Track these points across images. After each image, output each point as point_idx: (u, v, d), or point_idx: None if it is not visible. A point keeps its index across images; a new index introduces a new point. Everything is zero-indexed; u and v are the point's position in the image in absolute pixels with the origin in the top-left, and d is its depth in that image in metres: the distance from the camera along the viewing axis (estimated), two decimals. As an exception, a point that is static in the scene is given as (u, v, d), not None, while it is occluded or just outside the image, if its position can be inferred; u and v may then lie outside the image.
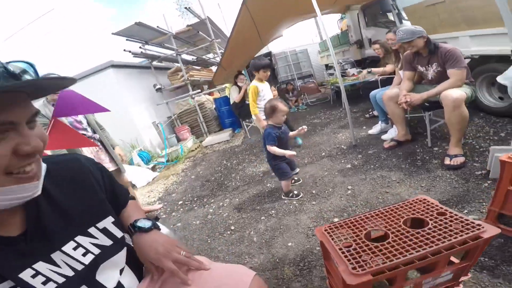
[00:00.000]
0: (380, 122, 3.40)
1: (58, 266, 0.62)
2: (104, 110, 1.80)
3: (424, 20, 3.71)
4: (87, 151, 2.34)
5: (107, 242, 0.74)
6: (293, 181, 2.64)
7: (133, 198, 1.00)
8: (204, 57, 9.03)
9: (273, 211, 2.29)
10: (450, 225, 0.92)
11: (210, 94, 8.10)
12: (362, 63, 7.04)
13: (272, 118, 2.31)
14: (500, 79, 1.77)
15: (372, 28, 6.11)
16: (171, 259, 0.77)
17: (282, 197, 2.44)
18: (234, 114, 6.00)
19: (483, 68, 2.76)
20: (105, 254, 0.72)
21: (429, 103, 2.46)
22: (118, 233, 0.78)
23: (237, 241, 2.03)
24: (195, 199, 3.06)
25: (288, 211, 2.22)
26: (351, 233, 1.02)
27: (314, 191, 2.42)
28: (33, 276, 0.57)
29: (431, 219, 0.98)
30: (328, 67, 9.81)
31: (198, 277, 0.80)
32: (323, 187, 2.45)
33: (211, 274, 0.81)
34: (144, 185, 4.26)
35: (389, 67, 3.92)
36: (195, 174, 4.02)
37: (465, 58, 2.53)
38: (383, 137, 3.15)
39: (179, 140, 6.33)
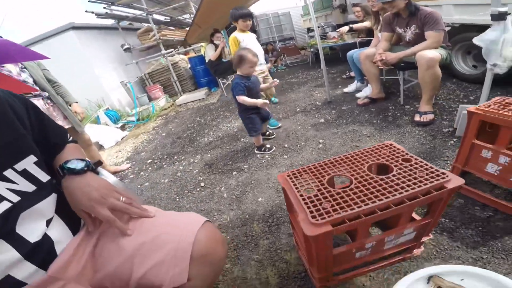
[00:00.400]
0: (356, 81, 3.40)
1: None
2: (43, 57, 1.57)
3: None
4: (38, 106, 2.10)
5: (29, 187, 0.61)
6: (267, 133, 2.59)
7: (75, 141, 0.86)
8: (179, 17, 8.33)
9: (245, 166, 2.23)
10: (415, 173, 0.87)
11: (185, 53, 7.61)
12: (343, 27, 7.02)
13: (240, 69, 2.15)
14: (476, 40, 1.76)
15: None
16: (107, 206, 0.66)
17: (255, 151, 2.37)
18: (210, 73, 5.73)
19: (462, 36, 2.72)
20: (26, 201, 0.60)
21: (404, 63, 2.46)
22: (43, 177, 0.65)
23: (206, 198, 1.96)
24: (165, 156, 2.93)
25: (260, 166, 2.17)
26: (314, 179, 0.95)
27: (286, 145, 2.37)
28: None
29: (396, 165, 0.92)
30: (310, 30, 9.68)
31: (139, 226, 0.71)
32: (295, 141, 2.41)
33: (155, 223, 0.72)
34: (113, 145, 4.03)
35: (367, 23, 3.80)
36: (167, 132, 3.84)
37: (445, 26, 2.54)
38: (358, 94, 3.16)
39: (150, 99, 6.01)
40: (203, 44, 5.86)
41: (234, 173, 2.17)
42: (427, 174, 0.86)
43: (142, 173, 2.72)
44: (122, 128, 4.71)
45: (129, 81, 5.71)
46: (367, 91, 3.04)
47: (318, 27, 7.74)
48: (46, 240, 0.63)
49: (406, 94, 2.77)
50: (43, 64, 2.34)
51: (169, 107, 5.39)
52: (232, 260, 1.34)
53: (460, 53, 2.85)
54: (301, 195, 0.88)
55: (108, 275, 0.68)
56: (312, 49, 6.38)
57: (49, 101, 2.20)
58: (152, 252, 0.66)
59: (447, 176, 0.83)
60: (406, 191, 0.80)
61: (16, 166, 0.60)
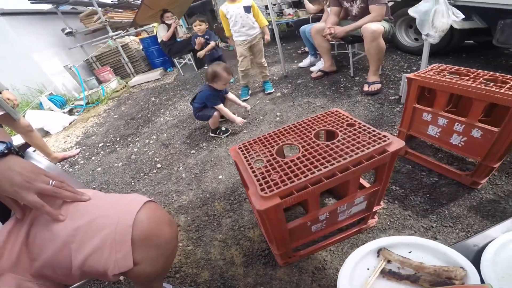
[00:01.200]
0: (309, 56, 3.43)
1: None
2: None
3: None
4: None
5: None
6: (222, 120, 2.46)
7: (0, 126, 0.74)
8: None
9: (204, 144, 2.16)
10: (358, 137, 0.88)
11: (136, 34, 7.04)
12: (298, 4, 6.86)
13: (214, 84, 2.09)
14: (410, 11, 1.79)
15: None
16: (34, 190, 0.58)
17: (210, 134, 2.26)
18: (164, 54, 5.37)
19: (403, 10, 2.79)
20: None
21: (352, 37, 2.52)
22: None
23: (164, 179, 1.88)
24: (118, 139, 2.73)
25: (219, 143, 2.12)
26: (264, 150, 0.93)
27: (246, 120, 2.34)
28: None
29: (341, 131, 0.94)
30: (267, 8, 9.43)
31: (74, 211, 0.64)
32: (254, 115, 2.39)
33: (91, 206, 0.65)
34: (60, 131, 3.66)
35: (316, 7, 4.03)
36: (119, 114, 3.56)
37: (389, 1, 2.62)
38: (311, 68, 3.21)
39: (100, 82, 5.53)
40: (155, 24, 5.53)
41: (192, 151, 2.10)
42: (369, 138, 0.87)
43: (93, 158, 2.52)
44: (70, 112, 4.27)
45: (74, 65, 5.16)
46: (319, 65, 3.09)
47: (275, 4, 7.58)
48: None
49: (356, 66, 2.86)
50: None
51: (121, 89, 4.99)
52: (195, 241, 1.31)
53: (403, 26, 2.96)
54: (251, 168, 0.86)
55: (47, 263, 0.61)
56: (269, 26, 6.27)
57: None
58: (89, 237, 0.60)
59: (389, 139, 0.84)
60: (350, 156, 0.80)
61: None
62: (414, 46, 2.90)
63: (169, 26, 4.69)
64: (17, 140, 2.43)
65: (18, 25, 4.80)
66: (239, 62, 2.71)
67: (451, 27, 1.81)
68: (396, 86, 2.30)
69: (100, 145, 2.72)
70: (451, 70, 1.26)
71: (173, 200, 1.65)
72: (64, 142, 3.15)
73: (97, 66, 5.85)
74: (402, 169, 1.40)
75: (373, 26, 2.19)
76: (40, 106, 4.27)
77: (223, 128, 2.23)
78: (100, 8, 5.61)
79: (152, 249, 0.63)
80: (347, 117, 1.01)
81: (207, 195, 1.61)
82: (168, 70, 5.85)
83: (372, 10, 2.30)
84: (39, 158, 0.97)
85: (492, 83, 1.04)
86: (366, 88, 2.33)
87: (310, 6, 4.16)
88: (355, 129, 0.93)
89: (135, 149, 2.41)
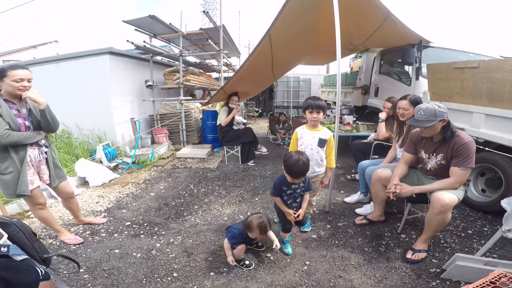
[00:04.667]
0: (359, 192, 3.40)
1: None
2: None
3: (443, 82, 3.60)
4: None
5: None
6: (254, 245, 2.46)
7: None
8: (207, 61, 9.08)
9: (225, 269, 2.17)
10: None
11: (202, 104, 8.05)
12: (360, 111, 6.93)
13: (246, 230, 2.22)
14: (504, 202, 1.77)
15: (384, 76, 5.86)
16: None
17: (234, 262, 2.23)
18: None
19: (482, 156, 2.62)
20: None
21: (416, 195, 2.34)
22: None
23: (175, 293, 1.90)
24: (145, 224, 2.88)
25: (240, 274, 2.12)
26: None
27: (272, 257, 2.33)
28: None
29: None
30: (326, 103, 9.78)
31: None
32: (281, 255, 2.37)
33: None
34: (98, 185, 4.03)
35: (387, 134, 3.65)
36: (156, 192, 3.82)
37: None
38: (357, 210, 3.13)
39: (153, 142, 6.15)
40: (221, 102, 6.08)
41: (211, 273, 2.12)
42: None
43: (116, 235, 2.67)
44: (114, 168, 4.74)
45: (139, 120, 5.89)
46: (368, 209, 3.02)
47: (334, 107, 7.02)
48: None
49: (406, 220, 2.74)
50: None
51: (167, 157, 5.47)
52: None
53: (474, 173, 2.71)
54: None
55: None
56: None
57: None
58: None
59: None
60: None
61: None
62: (480, 201, 2.67)
63: (231, 110, 5.13)
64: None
65: (115, 66, 5.58)
66: None
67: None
68: (441, 255, 2.23)
69: (127, 223, 2.90)
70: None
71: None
72: (96, 203, 3.43)
73: (157, 124, 6.58)
74: None
75: (447, 197, 2.03)
76: (93, 153, 4.83)
77: (247, 262, 2.23)
78: (183, 65, 6.46)
79: None
80: None
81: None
82: (215, 150, 6.30)
83: (453, 173, 2.13)
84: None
85: None
86: (409, 255, 2.24)
87: (382, 130, 3.72)
88: None
89: (158, 244, 2.51)
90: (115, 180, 4.28)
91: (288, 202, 2.30)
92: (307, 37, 4.45)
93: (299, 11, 3.54)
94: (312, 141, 2.47)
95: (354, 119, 6.14)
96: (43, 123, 2.21)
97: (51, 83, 5.35)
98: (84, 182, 4.14)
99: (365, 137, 4.44)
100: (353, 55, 8.69)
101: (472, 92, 3.09)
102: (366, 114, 6.44)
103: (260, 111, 13.67)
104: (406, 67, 5.12)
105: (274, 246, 2.30)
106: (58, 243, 2.53)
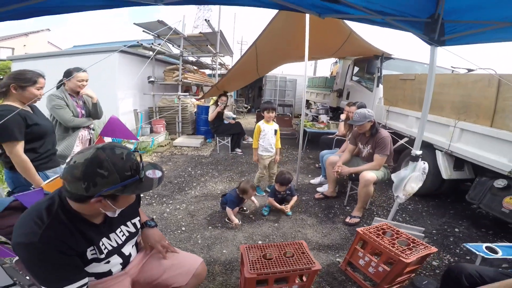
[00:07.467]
0: (321, 176, 4.43)
1: (111, 240, 1.30)
2: (133, 138, 2.57)
3: (392, 90, 4.57)
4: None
5: (133, 230, 1.46)
6: (241, 209, 3.36)
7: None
8: (203, 60, 9.89)
9: (219, 224, 3.07)
10: (302, 259, 1.82)
11: (197, 99, 8.71)
12: (335, 111, 7.87)
13: (243, 195, 3.13)
14: (393, 176, 2.57)
15: (355, 82, 6.76)
16: (161, 244, 1.54)
17: (226, 220, 3.13)
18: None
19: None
20: (130, 236, 1.44)
21: (354, 175, 3.36)
22: (138, 226, 1.51)
23: (185, 240, 2.76)
24: (155, 196, 3.73)
25: (230, 227, 3.02)
26: (258, 252, 1.88)
27: (253, 217, 3.28)
28: (101, 244, 1.25)
29: (297, 254, 1.87)
30: (308, 102, 10.69)
31: (170, 256, 1.59)
32: (260, 216, 3.31)
33: (178, 256, 1.60)
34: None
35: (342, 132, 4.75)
36: (160, 173, 4.66)
37: (404, 137, 3.56)
38: (318, 188, 4.14)
39: (152, 131, 6.88)
40: (214, 97, 6.80)
41: (209, 227, 3.01)
42: (306, 262, 1.79)
43: (135, 204, 3.51)
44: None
45: (141, 112, 6.65)
46: (325, 188, 4.00)
47: (314, 107, 8.34)
48: (130, 255, 1.49)
49: (352, 195, 3.74)
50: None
51: (165, 145, 6.24)
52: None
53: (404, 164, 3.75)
54: (249, 259, 1.79)
55: (144, 275, 1.50)
56: (296, 136, 7.16)
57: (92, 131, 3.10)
58: (176, 269, 1.53)
59: (314, 263, 1.78)
60: (294, 267, 1.74)
61: (132, 221, 1.45)
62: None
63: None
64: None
65: (123, 63, 6.26)
66: (259, 170, 3.82)
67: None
68: (370, 222, 3.12)
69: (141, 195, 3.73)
70: (388, 230, 2.20)
71: (187, 258, 2.54)
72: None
73: (155, 115, 7.31)
74: (338, 278, 2.27)
75: (368, 175, 2.97)
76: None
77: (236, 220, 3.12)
78: (181, 64, 7.24)
79: (195, 281, 1.55)
80: (304, 247, 1.94)
81: (212, 259, 2.46)
82: (207, 141, 7.11)
83: (375, 159, 3.06)
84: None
85: (404, 246, 1.93)
86: (347, 219, 3.18)
87: (342, 128, 4.76)
88: (303, 254, 1.87)
89: (168, 209, 3.37)
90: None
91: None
92: (286, 46, 5.45)
93: (280, 27, 4.44)
94: (270, 131, 3.66)
95: (328, 118, 7.11)
96: (93, 112, 3.01)
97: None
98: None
99: (334, 133, 5.46)
100: (334, 60, 9.65)
101: (409, 100, 4.09)
102: (339, 114, 7.37)
103: (249, 107, 14.71)
104: (371, 76, 6.04)
105: (256, 203, 3.35)
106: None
